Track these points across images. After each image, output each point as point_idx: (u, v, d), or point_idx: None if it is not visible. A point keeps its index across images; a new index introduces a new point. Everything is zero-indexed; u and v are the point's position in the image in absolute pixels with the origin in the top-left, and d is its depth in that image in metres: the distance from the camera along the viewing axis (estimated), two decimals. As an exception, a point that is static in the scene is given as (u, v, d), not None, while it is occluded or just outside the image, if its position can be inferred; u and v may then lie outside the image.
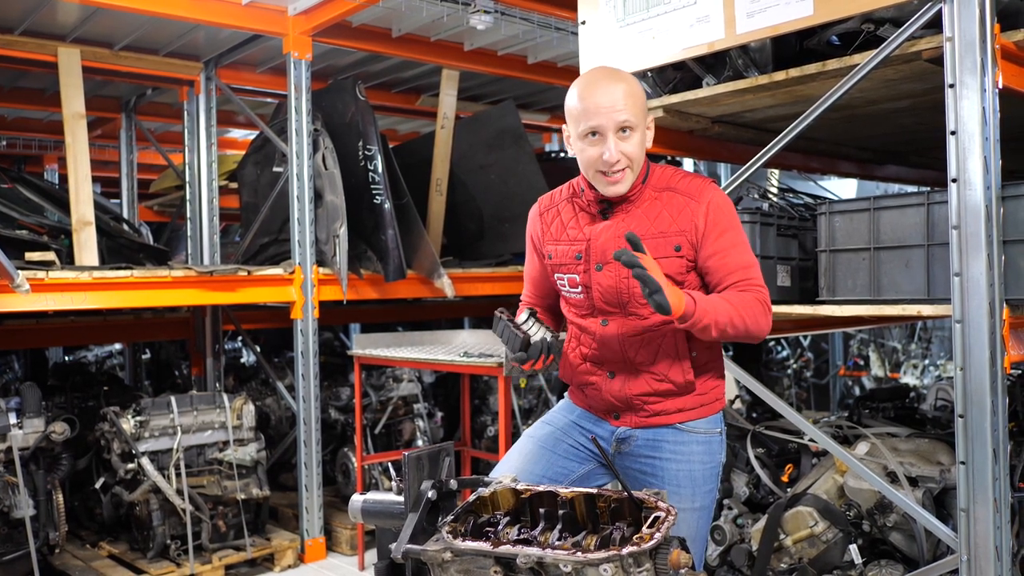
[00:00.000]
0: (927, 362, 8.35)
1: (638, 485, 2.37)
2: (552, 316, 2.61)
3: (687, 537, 2.37)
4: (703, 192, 2.30)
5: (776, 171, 6.99)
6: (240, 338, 8.38)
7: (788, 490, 3.40)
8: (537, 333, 2.28)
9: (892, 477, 3.04)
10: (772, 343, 8.17)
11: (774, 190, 4.85)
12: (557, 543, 1.91)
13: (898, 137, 4.16)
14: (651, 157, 5.96)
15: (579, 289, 2.38)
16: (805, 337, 8.50)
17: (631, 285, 2.28)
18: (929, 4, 2.56)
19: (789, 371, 8.24)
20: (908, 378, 8.18)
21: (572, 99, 2.29)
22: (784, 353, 8.36)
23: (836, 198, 3.93)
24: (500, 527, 2.02)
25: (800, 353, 8.54)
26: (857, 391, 8.47)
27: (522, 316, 2.31)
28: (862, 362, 8.76)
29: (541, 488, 2.08)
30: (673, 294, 2.06)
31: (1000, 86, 2.52)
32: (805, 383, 8.53)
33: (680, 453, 2.37)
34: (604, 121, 2.21)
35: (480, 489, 2.10)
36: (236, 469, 4.91)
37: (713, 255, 2.26)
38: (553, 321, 2.59)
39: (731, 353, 7.17)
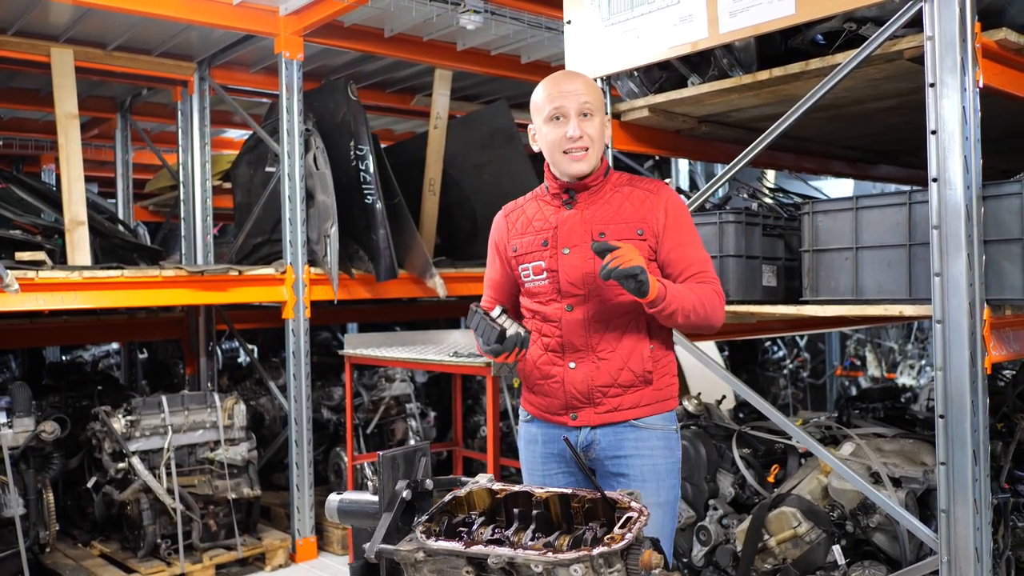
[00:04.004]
0: (923, 362, 8.34)
1: (607, 486, 2.41)
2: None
3: (652, 533, 2.38)
4: (661, 189, 2.50)
5: (771, 171, 6.99)
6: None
7: (775, 491, 3.40)
8: (512, 327, 2.32)
9: (876, 478, 3.03)
10: (768, 343, 8.16)
11: (765, 190, 4.85)
12: (530, 543, 1.91)
13: (887, 137, 4.16)
14: (640, 158, 5.95)
15: (544, 275, 2.48)
16: (801, 337, 8.49)
17: (596, 267, 2.37)
18: (910, 3, 2.56)
19: (785, 371, 8.22)
20: (904, 378, 8.17)
21: (537, 93, 2.48)
22: (780, 353, 8.34)
23: (827, 198, 3.92)
24: (475, 527, 2.02)
25: (796, 353, 8.52)
26: (854, 391, 8.46)
27: (496, 311, 2.36)
28: (858, 362, 8.75)
29: (516, 488, 2.08)
30: (649, 278, 2.23)
31: (981, 85, 2.51)
32: (801, 383, 8.51)
33: (642, 449, 2.44)
34: (567, 103, 2.40)
35: (456, 489, 2.10)
36: (227, 468, 4.91)
37: (674, 248, 2.43)
38: None
39: (726, 353, 7.18)
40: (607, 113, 3.48)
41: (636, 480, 2.41)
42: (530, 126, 2.53)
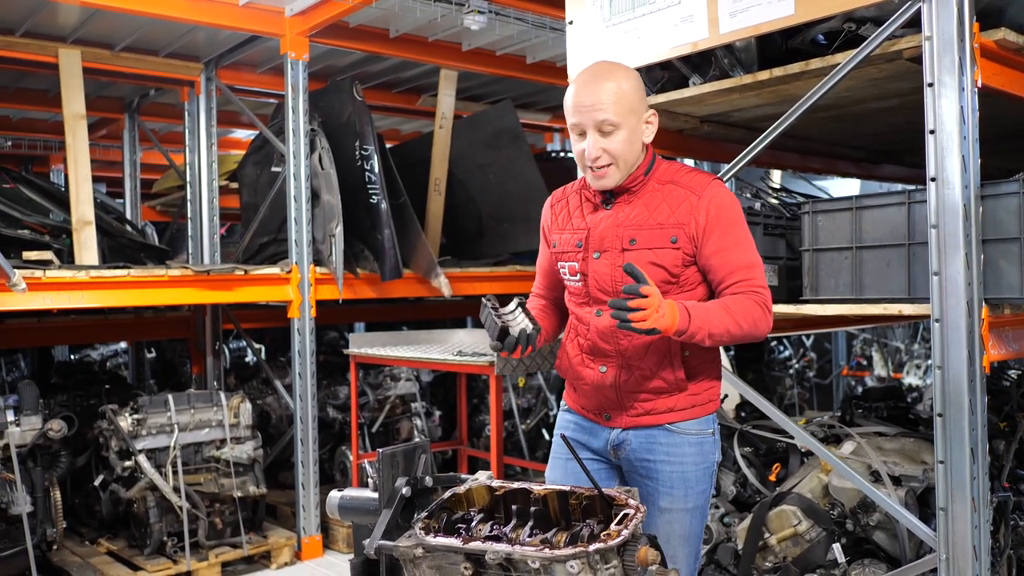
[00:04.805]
0: (930, 362, 8.31)
1: (636, 486, 2.39)
2: (557, 309, 2.65)
3: (680, 537, 2.39)
4: (705, 188, 2.31)
5: (778, 172, 6.98)
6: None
7: (776, 489, 3.41)
8: (517, 324, 2.28)
9: (876, 476, 3.04)
10: (774, 343, 8.15)
11: (769, 190, 4.86)
12: (527, 540, 1.92)
13: (891, 136, 4.16)
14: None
15: (577, 277, 2.42)
16: (808, 337, 8.49)
17: (624, 275, 2.29)
18: (909, 3, 2.56)
19: (791, 371, 8.21)
20: (911, 378, 8.16)
21: (567, 96, 2.36)
22: (786, 353, 8.34)
23: (829, 198, 3.92)
24: (473, 523, 2.04)
25: (803, 353, 8.51)
26: (860, 391, 8.45)
27: (509, 306, 2.31)
28: (865, 362, 8.74)
29: (515, 485, 2.10)
30: (668, 315, 2.11)
31: (980, 85, 2.52)
32: (808, 383, 8.50)
33: (673, 455, 2.38)
34: (584, 119, 2.29)
35: (455, 487, 2.12)
36: (233, 467, 4.94)
37: (715, 253, 2.29)
38: (558, 315, 2.64)
39: (732, 353, 7.17)
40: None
41: (664, 485, 2.37)
42: None
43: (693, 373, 2.38)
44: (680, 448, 2.38)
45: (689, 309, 2.17)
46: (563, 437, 2.12)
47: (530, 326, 2.28)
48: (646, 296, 2.07)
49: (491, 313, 2.28)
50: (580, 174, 2.48)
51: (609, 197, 2.39)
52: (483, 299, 2.32)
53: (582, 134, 2.31)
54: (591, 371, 2.42)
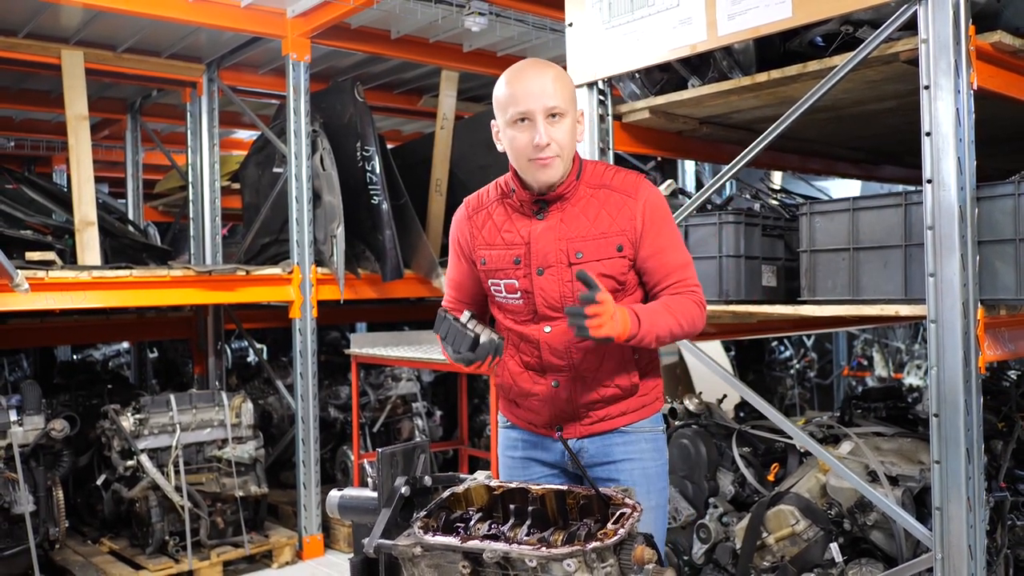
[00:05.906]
0: (930, 362, 8.30)
1: None
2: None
3: None
4: (639, 189, 2.28)
5: (779, 173, 7.00)
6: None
7: (775, 489, 3.42)
8: (484, 333, 2.21)
9: (873, 476, 3.06)
10: (775, 343, 8.16)
11: (768, 191, 4.87)
12: (525, 539, 1.94)
13: (890, 138, 4.17)
14: (642, 159, 5.94)
15: (518, 295, 2.32)
16: (809, 337, 8.50)
17: (575, 289, 2.24)
18: (905, 6, 2.58)
19: (792, 371, 8.23)
20: (912, 378, 8.16)
21: (500, 88, 2.24)
22: (787, 353, 8.35)
23: (828, 199, 3.94)
24: (472, 523, 2.05)
25: (804, 353, 8.52)
26: (860, 391, 8.45)
27: (465, 316, 2.23)
28: (866, 362, 8.75)
29: (513, 485, 2.12)
30: (620, 320, 2.08)
31: (975, 87, 2.53)
32: (809, 383, 8.51)
33: (631, 453, 2.37)
34: (533, 105, 2.17)
35: (454, 486, 2.14)
36: (235, 466, 4.96)
37: (652, 255, 2.26)
38: None
39: (732, 353, 7.19)
40: (604, 107, 3.49)
41: (627, 485, 2.34)
42: (493, 122, 2.29)
43: (643, 374, 2.37)
44: (638, 445, 2.38)
45: (638, 313, 2.14)
46: (562, 440, 2.12)
47: (495, 336, 2.22)
48: (601, 303, 2.03)
49: (453, 324, 2.21)
50: (512, 181, 2.33)
51: (542, 206, 2.28)
52: (440, 312, 2.24)
53: (525, 124, 2.18)
54: (541, 386, 2.35)
